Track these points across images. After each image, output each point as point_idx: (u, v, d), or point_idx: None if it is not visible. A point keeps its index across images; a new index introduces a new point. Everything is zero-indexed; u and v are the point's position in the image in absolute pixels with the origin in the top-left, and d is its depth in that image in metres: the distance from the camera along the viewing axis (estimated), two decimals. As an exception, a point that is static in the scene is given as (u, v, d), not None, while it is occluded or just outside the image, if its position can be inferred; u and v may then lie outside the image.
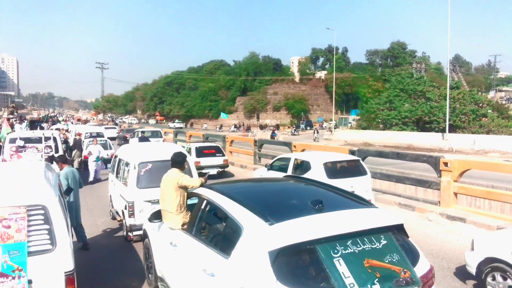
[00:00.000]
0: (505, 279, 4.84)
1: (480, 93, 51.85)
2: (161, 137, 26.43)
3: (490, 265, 5.00)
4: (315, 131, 41.27)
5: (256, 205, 3.54)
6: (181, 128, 62.61)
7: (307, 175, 7.96)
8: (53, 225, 3.63)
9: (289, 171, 9.73)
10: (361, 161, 9.80)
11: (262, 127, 62.47)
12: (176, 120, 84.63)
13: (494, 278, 4.98)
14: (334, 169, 9.25)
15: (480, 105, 39.07)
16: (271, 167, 11.06)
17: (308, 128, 62.66)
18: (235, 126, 67.52)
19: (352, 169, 9.55)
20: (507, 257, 4.81)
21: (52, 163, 8.14)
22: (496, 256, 4.95)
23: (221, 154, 16.00)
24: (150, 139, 22.63)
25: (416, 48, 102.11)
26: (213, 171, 14.84)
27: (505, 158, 22.43)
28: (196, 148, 15.71)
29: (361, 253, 3.02)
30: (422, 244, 6.45)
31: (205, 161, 15.19)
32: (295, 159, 10.12)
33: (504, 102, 55.43)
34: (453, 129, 33.98)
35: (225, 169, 16.01)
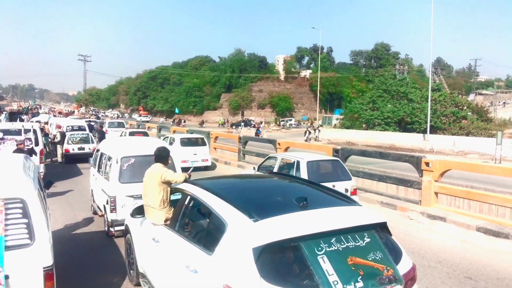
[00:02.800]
0: None
1: (460, 95, 52.98)
2: (124, 127, 29.04)
3: None
4: (307, 132, 37.67)
5: (240, 201, 3.52)
6: (147, 121, 61.95)
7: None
8: (32, 219, 3.54)
9: (276, 171, 9.65)
10: (341, 162, 9.91)
11: (246, 124, 62.46)
12: (141, 114, 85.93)
13: None
14: (317, 170, 9.30)
15: (461, 107, 39.92)
16: (258, 169, 10.92)
17: (294, 125, 63.10)
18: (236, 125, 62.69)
19: (335, 169, 9.65)
20: None
21: (31, 155, 7.95)
22: None
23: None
24: (115, 129, 26.93)
25: (399, 50, 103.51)
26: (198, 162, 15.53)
27: (484, 159, 22.98)
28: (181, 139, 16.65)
29: (345, 250, 3.03)
30: (404, 242, 6.53)
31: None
32: (282, 158, 10.17)
33: (488, 104, 56.67)
34: (434, 130, 34.62)
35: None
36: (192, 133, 22.99)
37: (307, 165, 9.00)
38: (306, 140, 35.01)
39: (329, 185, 7.71)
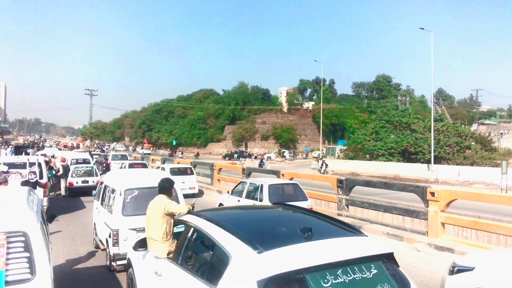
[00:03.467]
0: None
1: (463, 125, 53.07)
2: (127, 159, 29.73)
3: None
4: (323, 164, 36.12)
5: (244, 232, 3.47)
6: (149, 154, 62.69)
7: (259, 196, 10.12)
8: (34, 253, 3.50)
9: (244, 194, 11.34)
10: (299, 186, 11.29)
11: (250, 155, 62.80)
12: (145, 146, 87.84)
13: None
14: (278, 192, 10.72)
15: (464, 137, 39.91)
16: (232, 193, 12.14)
17: (299, 156, 63.47)
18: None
19: (294, 191, 11.15)
20: None
21: (35, 188, 7.95)
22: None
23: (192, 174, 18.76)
24: (119, 161, 27.50)
25: (400, 81, 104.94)
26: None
27: (490, 189, 22.73)
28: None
29: (351, 282, 2.97)
30: (411, 274, 6.38)
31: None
32: (250, 183, 11.66)
33: (493, 135, 56.52)
34: (438, 160, 34.48)
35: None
36: (195, 165, 23.24)
37: (269, 188, 10.47)
38: (322, 172, 34.22)
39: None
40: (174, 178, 5.94)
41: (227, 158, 59.81)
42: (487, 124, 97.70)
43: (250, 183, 11.52)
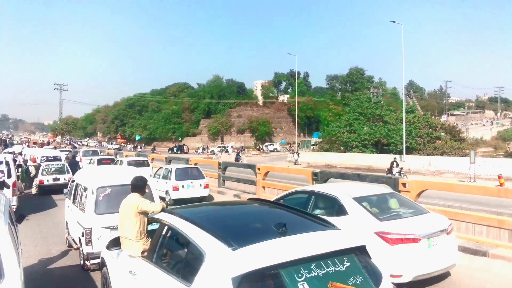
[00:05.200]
0: None
1: (433, 117, 54.57)
2: (98, 155, 29.60)
3: None
4: (297, 154, 40.57)
5: (218, 229, 3.47)
6: (119, 149, 62.51)
7: None
8: (1, 256, 3.39)
9: (161, 176, 15.49)
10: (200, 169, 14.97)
11: (204, 149, 63.26)
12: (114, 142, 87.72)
13: None
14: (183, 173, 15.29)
15: (434, 128, 41.06)
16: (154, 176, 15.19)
17: (275, 150, 63.55)
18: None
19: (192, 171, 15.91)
20: None
21: (2, 188, 7.69)
22: None
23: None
24: (89, 157, 27.07)
25: (373, 73, 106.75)
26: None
27: (459, 178, 23.53)
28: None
29: (325, 276, 3.01)
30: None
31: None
32: (165, 168, 15.83)
33: (459, 125, 58.29)
34: (410, 151, 35.36)
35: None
36: (170, 161, 23.06)
37: (176, 170, 15.24)
38: (295, 163, 37.32)
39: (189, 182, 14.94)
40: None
41: (170, 152, 62.08)
42: (456, 115, 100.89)
43: (165, 168, 16.16)
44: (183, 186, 14.68)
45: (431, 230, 5.90)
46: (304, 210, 6.79)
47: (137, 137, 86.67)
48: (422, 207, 6.96)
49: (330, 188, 7.46)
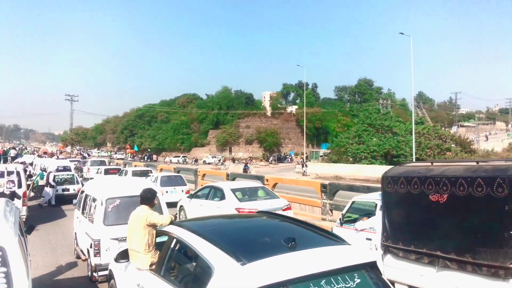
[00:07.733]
0: None
1: (443, 128, 54.10)
2: (105, 165, 30.27)
3: None
4: (304, 165, 40.68)
5: (227, 243, 3.44)
6: (122, 159, 63.52)
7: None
8: (11, 267, 3.41)
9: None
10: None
11: (234, 160, 62.76)
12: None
13: None
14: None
15: (444, 139, 40.68)
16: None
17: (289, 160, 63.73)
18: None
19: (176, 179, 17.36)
20: None
21: (13, 199, 7.74)
22: None
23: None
24: (97, 167, 27.75)
25: (382, 85, 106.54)
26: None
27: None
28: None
29: (335, 292, 2.96)
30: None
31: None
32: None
33: (471, 136, 57.51)
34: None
35: None
36: (179, 171, 23.14)
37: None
38: (303, 174, 37.84)
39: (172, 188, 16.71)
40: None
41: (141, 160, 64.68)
42: (466, 126, 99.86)
43: (153, 175, 17.60)
44: (167, 192, 16.25)
45: (269, 207, 9.73)
46: (208, 196, 11.85)
47: (135, 148, 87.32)
48: (276, 195, 11.47)
49: (222, 183, 12.37)
